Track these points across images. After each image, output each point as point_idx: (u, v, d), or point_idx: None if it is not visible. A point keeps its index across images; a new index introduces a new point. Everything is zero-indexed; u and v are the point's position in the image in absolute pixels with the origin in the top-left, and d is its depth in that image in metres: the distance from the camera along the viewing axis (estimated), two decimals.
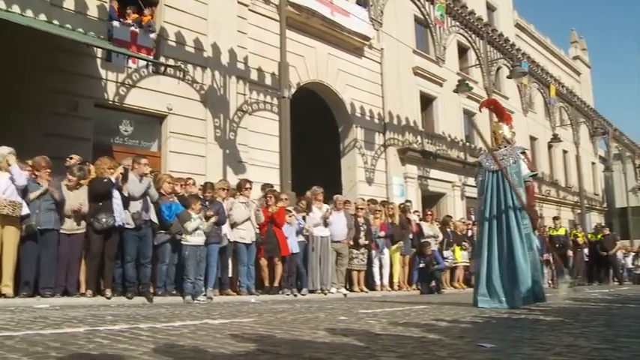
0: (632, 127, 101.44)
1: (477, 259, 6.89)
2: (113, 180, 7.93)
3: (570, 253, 17.62)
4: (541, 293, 6.46)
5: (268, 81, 15.55)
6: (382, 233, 12.18)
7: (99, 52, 11.96)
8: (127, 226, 7.98)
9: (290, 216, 10.17)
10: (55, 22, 10.95)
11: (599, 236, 19.99)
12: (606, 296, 9.85)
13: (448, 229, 14.47)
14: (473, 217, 19.29)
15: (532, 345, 3.04)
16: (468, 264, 14.93)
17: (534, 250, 6.58)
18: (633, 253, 22.69)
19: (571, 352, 2.76)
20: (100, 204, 7.77)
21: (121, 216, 7.92)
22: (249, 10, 15.49)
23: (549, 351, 2.76)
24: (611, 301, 8.02)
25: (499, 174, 6.66)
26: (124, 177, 8.12)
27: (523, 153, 6.99)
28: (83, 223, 7.82)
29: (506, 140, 6.98)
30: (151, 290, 8.34)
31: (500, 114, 7.35)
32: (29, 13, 10.78)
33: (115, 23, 12.58)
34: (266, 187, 10.77)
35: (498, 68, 22.79)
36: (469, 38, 19.45)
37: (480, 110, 8.85)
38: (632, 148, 37.39)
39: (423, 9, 16.93)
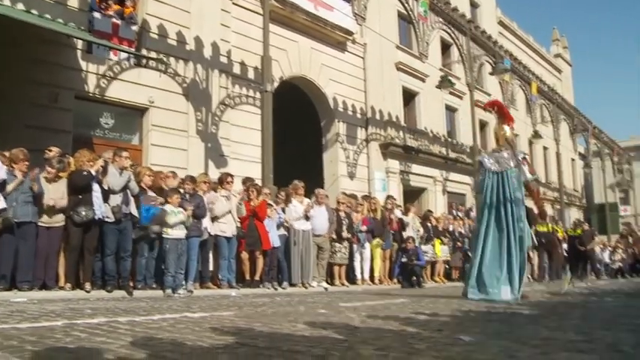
0: (611, 124, 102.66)
1: (472, 253, 7.11)
2: (93, 173, 7.86)
3: (559, 249, 17.89)
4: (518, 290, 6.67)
5: (251, 75, 15.48)
6: (364, 227, 12.23)
7: (79, 44, 11.81)
8: (106, 219, 7.91)
9: (272, 210, 10.17)
10: (34, 11, 10.79)
11: (578, 231, 20.24)
12: (584, 290, 9.99)
13: (429, 224, 14.55)
14: (454, 212, 19.43)
15: (510, 338, 3.07)
16: (448, 259, 15.05)
17: (524, 251, 6.84)
18: (610, 248, 22.99)
19: (547, 344, 2.79)
20: (80, 197, 7.70)
21: (101, 209, 7.85)
22: (233, 3, 15.39)
23: (526, 344, 2.80)
24: (588, 295, 8.14)
25: (499, 175, 6.93)
26: (104, 170, 8.05)
27: (524, 158, 7.24)
28: (62, 216, 7.74)
29: (507, 141, 7.23)
30: (131, 284, 8.29)
31: (504, 116, 7.54)
32: (6, 1, 10.61)
33: (96, 14, 12.41)
34: (247, 181, 10.74)
35: (481, 65, 22.92)
36: (452, 34, 19.54)
37: (485, 110, 8.92)
38: (611, 146, 37.85)
39: (406, 4, 16.97)
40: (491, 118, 27.66)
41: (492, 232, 6.82)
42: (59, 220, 7.74)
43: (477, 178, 7.41)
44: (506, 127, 7.33)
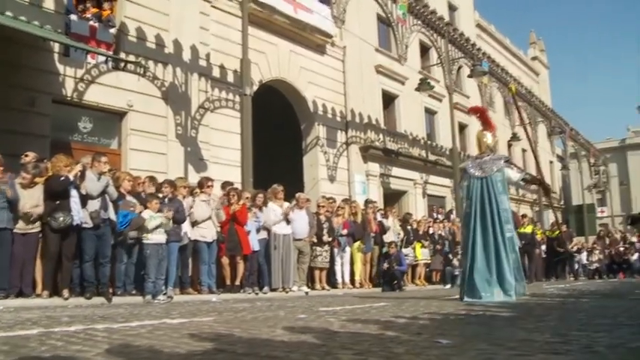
0: (587, 126, 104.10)
1: (463, 258, 7.34)
2: (71, 178, 7.77)
3: (537, 250, 18.12)
4: (523, 288, 7.08)
5: (230, 78, 15.44)
6: (344, 231, 12.23)
7: (56, 47, 11.67)
8: (84, 225, 7.82)
9: (252, 214, 10.14)
10: (9, 13, 10.64)
11: (556, 233, 20.49)
12: (562, 291, 10.10)
13: (409, 227, 14.60)
14: (435, 214, 19.54)
15: (488, 340, 3.09)
16: (429, 261, 15.12)
17: (516, 252, 7.10)
18: (588, 249, 23.28)
19: (524, 346, 2.82)
20: (57, 202, 7.60)
21: (79, 215, 7.76)
22: (212, 6, 15.35)
23: (503, 346, 2.82)
24: (566, 296, 8.22)
25: (483, 180, 7.13)
26: (82, 175, 7.96)
27: (507, 161, 7.50)
28: (38, 222, 7.63)
29: (489, 148, 7.42)
30: (110, 290, 8.21)
31: (486, 123, 7.72)
32: None
33: (73, 17, 12.28)
34: (226, 185, 10.70)
35: (459, 67, 23.11)
36: (431, 37, 19.67)
37: (469, 114, 9.15)
38: (587, 147, 38.37)
39: (385, 7, 17.05)
40: (470, 121, 27.97)
41: (480, 237, 7.00)
42: (35, 226, 7.63)
43: (462, 184, 7.53)
44: (488, 135, 7.51)
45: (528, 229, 18.05)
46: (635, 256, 21.57)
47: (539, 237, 19.16)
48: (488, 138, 7.48)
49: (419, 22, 18.69)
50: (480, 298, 6.73)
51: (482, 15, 34.43)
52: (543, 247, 19.54)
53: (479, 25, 33.19)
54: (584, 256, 22.53)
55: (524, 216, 20.18)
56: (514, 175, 7.34)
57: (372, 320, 4.35)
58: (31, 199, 7.61)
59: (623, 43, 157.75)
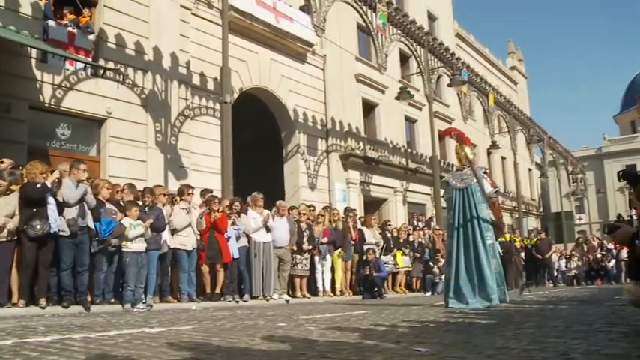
0: (564, 135, 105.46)
1: (446, 266, 7.52)
2: (49, 185, 7.67)
3: (513, 258, 18.19)
4: (503, 294, 7.26)
5: (210, 86, 15.41)
6: (325, 239, 12.23)
7: (33, 53, 11.57)
8: (61, 233, 7.72)
9: (232, 222, 10.10)
10: None
11: (533, 240, 20.73)
12: (541, 298, 10.19)
13: (388, 234, 14.62)
14: (415, 222, 19.60)
15: (465, 348, 3.11)
16: (410, 269, 15.15)
17: (497, 258, 7.35)
18: (566, 256, 23.53)
19: (502, 353, 2.84)
20: (35, 210, 7.48)
21: (56, 223, 7.65)
22: (192, 14, 15.33)
23: (481, 353, 2.84)
24: (545, 303, 8.29)
25: (464, 191, 7.41)
26: (59, 182, 7.86)
27: (485, 172, 7.82)
28: (14, 230, 7.51)
29: (468, 161, 7.68)
30: (89, 298, 8.10)
31: (462, 140, 8.04)
32: None
33: (51, 23, 12.17)
34: (205, 193, 10.63)
35: (439, 76, 23.29)
36: (410, 47, 19.81)
37: (443, 136, 9.34)
38: (565, 156, 38.85)
39: (365, 17, 17.13)
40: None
41: (463, 245, 7.26)
42: (10, 234, 7.50)
43: (445, 197, 7.71)
44: (467, 148, 7.79)
45: (506, 237, 18.21)
46: (612, 263, 21.86)
47: (517, 244, 19.37)
48: (467, 151, 7.75)
49: (399, 31, 18.82)
50: (467, 304, 6.94)
51: (462, 25, 34.83)
52: (522, 254, 19.71)
53: (458, 35, 33.52)
54: (562, 262, 22.77)
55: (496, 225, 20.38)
56: (487, 187, 7.51)
57: (351, 328, 4.35)
58: (7, 207, 7.49)
59: (599, 52, 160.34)
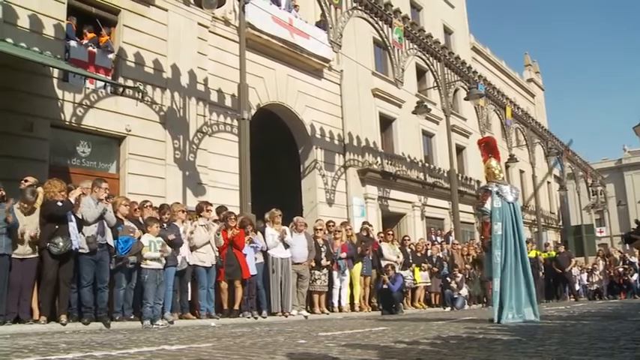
0: (583, 147, 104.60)
1: (494, 279, 7.49)
2: (73, 201, 7.76)
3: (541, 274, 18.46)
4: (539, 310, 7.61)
5: (228, 102, 15.53)
6: (343, 254, 12.18)
7: (55, 72, 11.76)
8: (81, 250, 7.78)
9: (248, 238, 10.11)
10: (9, 40, 10.73)
11: (552, 253, 20.56)
12: (562, 313, 10.05)
13: (408, 249, 14.54)
14: (433, 237, 19.51)
15: None
16: (429, 284, 15.03)
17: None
18: (588, 270, 23.18)
19: None
20: (57, 227, 7.57)
21: (77, 240, 7.73)
22: (210, 31, 15.49)
23: None
24: (566, 318, 8.18)
25: (512, 205, 7.61)
26: (79, 200, 7.96)
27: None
28: (36, 247, 7.60)
29: (499, 176, 7.93)
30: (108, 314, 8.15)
31: (495, 152, 8.25)
32: None
33: (73, 43, 12.40)
34: (222, 210, 10.65)
35: (456, 90, 23.25)
36: (427, 61, 19.83)
37: (480, 146, 9.21)
38: (584, 168, 38.46)
39: (381, 32, 17.21)
40: (467, 143, 28.09)
41: (510, 259, 7.38)
42: (33, 251, 7.59)
43: (489, 206, 7.56)
44: (497, 163, 8.06)
45: (532, 254, 18.32)
46: (635, 277, 21.48)
47: (542, 258, 19.40)
48: (500, 166, 8.05)
49: (415, 45, 18.87)
50: (522, 318, 7.16)
51: (478, 38, 34.82)
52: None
53: (474, 48, 33.50)
54: (584, 276, 22.44)
55: (527, 241, 20.43)
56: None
57: (371, 345, 4.33)
58: (31, 224, 7.59)
59: (617, 63, 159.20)
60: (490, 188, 7.74)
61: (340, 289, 12.29)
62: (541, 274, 19.06)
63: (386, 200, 21.38)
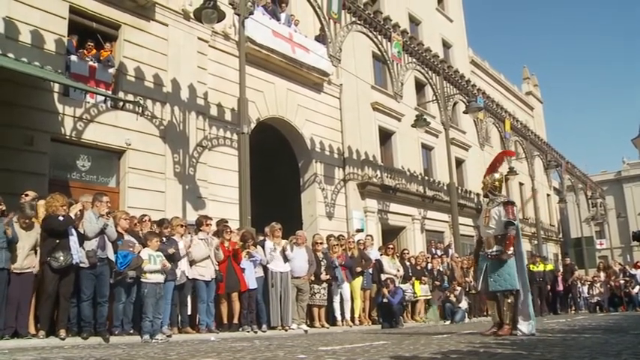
0: (582, 159, 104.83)
1: (526, 293, 7.61)
2: (73, 216, 7.77)
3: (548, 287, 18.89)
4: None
5: (228, 116, 15.57)
6: (338, 261, 12.07)
7: (56, 87, 11.81)
8: (81, 264, 7.77)
9: (245, 252, 10.10)
10: (11, 55, 10.77)
11: (549, 266, 20.59)
12: (563, 326, 10.01)
13: (407, 263, 14.51)
14: (433, 250, 19.48)
15: None
16: (429, 297, 14.98)
17: None
18: (588, 282, 23.14)
19: None
20: (57, 242, 7.56)
21: (78, 254, 7.72)
22: (210, 46, 15.57)
23: None
24: (568, 332, 8.15)
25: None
26: (81, 214, 7.97)
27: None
28: (35, 262, 7.58)
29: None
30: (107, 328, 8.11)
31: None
32: None
33: (73, 57, 12.47)
34: (220, 223, 10.64)
35: (455, 103, 23.32)
36: (426, 74, 19.92)
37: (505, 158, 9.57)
38: (584, 180, 38.49)
39: (380, 46, 17.30)
40: (466, 156, 28.15)
41: (522, 273, 7.61)
42: (32, 265, 7.58)
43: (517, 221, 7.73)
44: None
45: (541, 268, 18.50)
46: (636, 289, 21.43)
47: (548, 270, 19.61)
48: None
49: (414, 59, 18.96)
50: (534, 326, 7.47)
51: (476, 51, 34.98)
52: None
53: (473, 62, 33.64)
54: (585, 289, 22.40)
55: (536, 255, 20.79)
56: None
57: None
58: (30, 239, 7.59)
59: (615, 75, 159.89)
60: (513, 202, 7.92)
61: (342, 302, 12.22)
62: (549, 287, 19.16)
63: (386, 213, 21.37)
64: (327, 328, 11.55)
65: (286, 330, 10.44)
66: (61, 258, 7.44)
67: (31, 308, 7.63)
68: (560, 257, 34.14)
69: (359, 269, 12.68)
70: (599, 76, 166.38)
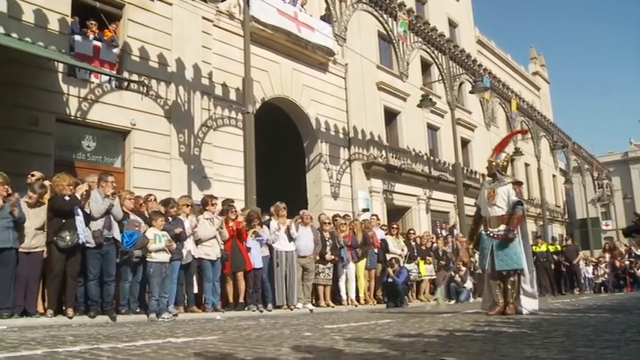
0: (589, 140, 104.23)
1: (532, 270, 7.82)
2: (79, 197, 7.79)
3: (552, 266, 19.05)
4: None
5: (233, 96, 15.52)
6: (343, 241, 12.08)
7: (60, 67, 11.78)
8: (87, 244, 7.81)
9: (253, 232, 10.13)
10: (14, 35, 10.74)
11: (558, 247, 20.56)
12: (568, 306, 10.03)
13: (413, 243, 14.54)
14: (438, 230, 19.50)
15: (493, 358, 3.08)
16: (434, 277, 15.03)
17: None
18: (593, 263, 23.14)
19: None
20: (63, 221, 7.60)
21: (84, 234, 7.76)
22: (214, 25, 15.47)
23: None
24: (572, 311, 8.17)
25: None
26: (87, 194, 7.99)
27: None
28: (43, 241, 7.63)
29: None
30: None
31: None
32: None
33: (77, 37, 12.41)
34: (227, 203, 10.64)
35: (461, 83, 23.18)
36: (432, 54, 19.77)
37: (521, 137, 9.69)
38: (590, 161, 38.33)
39: (386, 25, 17.16)
40: (472, 136, 28.03)
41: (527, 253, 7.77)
42: (40, 245, 7.63)
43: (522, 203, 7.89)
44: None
45: (543, 248, 18.52)
46: None
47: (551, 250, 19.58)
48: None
49: (420, 39, 18.80)
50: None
51: (483, 31, 34.68)
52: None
53: (479, 41, 33.37)
54: (589, 269, 22.41)
55: (539, 236, 20.82)
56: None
57: (376, 338, 4.33)
58: (37, 219, 7.63)
59: (622, 56, 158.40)
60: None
61: (347, 281, 12.27)
62: (552, 267, 19.16)
63: (391, 194, 21.36)
64: (333, 307, 11.61)
65: (292, 309, 10.51)
66: (68, 238, 7.48)
67: (39, 287, 7.70)
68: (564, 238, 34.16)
69: (360, 252, 12.67)
70: (607, 57, 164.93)
